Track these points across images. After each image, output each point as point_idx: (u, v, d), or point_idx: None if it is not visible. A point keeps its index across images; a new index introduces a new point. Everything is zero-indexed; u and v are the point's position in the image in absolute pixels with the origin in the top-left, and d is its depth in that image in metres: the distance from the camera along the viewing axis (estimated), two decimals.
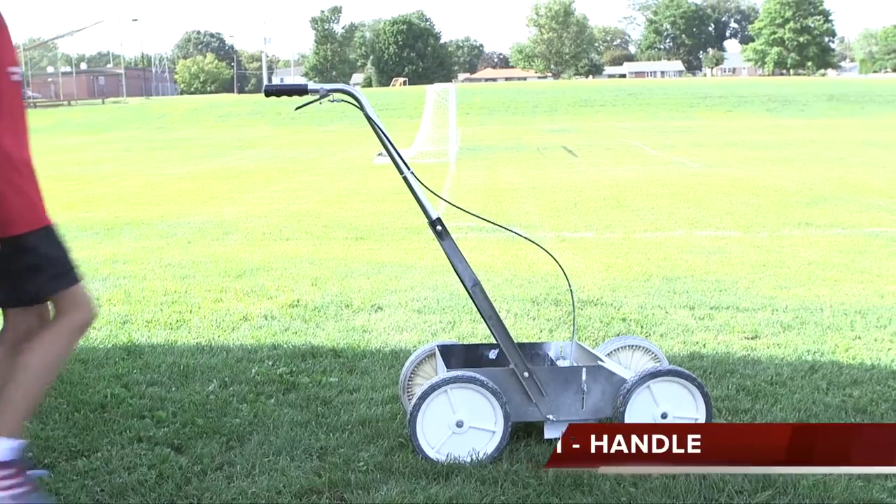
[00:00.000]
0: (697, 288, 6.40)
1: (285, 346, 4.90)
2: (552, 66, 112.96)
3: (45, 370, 2.85)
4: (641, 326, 5.28)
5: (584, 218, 10.70)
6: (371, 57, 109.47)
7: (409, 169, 3.39)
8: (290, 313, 5.71)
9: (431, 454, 3.25)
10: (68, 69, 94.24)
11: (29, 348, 2.85)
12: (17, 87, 2.78)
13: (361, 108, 3.38)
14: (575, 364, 3.74)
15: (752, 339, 5.04)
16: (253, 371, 4.41)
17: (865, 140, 25.55)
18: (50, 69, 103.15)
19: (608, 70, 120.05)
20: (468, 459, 3.22)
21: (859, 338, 5.03)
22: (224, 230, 9.95)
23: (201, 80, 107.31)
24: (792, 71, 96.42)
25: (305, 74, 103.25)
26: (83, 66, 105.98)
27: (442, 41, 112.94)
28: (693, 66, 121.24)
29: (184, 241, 9.20)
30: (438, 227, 3.37)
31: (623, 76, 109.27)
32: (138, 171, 20.15)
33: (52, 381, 3.03)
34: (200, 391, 4.10)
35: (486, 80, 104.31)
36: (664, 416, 3.38)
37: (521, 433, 3.48)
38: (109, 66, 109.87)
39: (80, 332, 2.96)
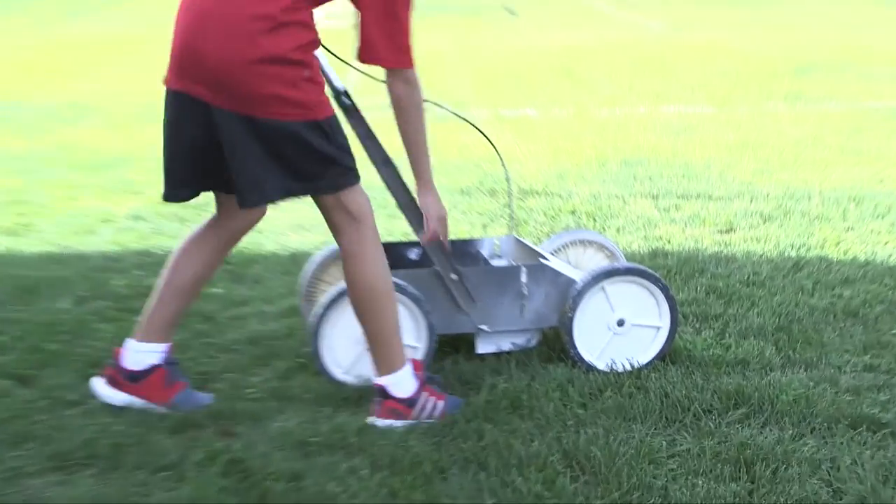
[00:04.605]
0: (662, 173, 6.46)
1: (157, 251, 4.84)
2: None
3: None
4: (594, 219, 5.32)
5: (526, 92, 10.67)
6: None
7: None
8: (163, 212, 5.63)
9: (339, 375, 3.26)
10: None
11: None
12: None
13: None
14: (513, 263, 3.76)
15: (725, 232, 5.12)
16: (117, 283, 4.37)
17: None
18: None
19: None
20: None
21: (852, 229, 5.15)
22: (79, 113, 9.69)
23: None
24: None
25: None
26: None
27: None
28: None
29: (27, 127, 8.93)
30: (346, 101, 3.30)
31: None
32: None
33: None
34: (50, 309, 4.03)
35: None
36: (621, 323, 3.43)
37: (448, 347, 3.51)
38: None
39: None
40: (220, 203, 3.11)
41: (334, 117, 2.91)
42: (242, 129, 2.79)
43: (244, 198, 2.90)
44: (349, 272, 2.98)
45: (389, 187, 3.36)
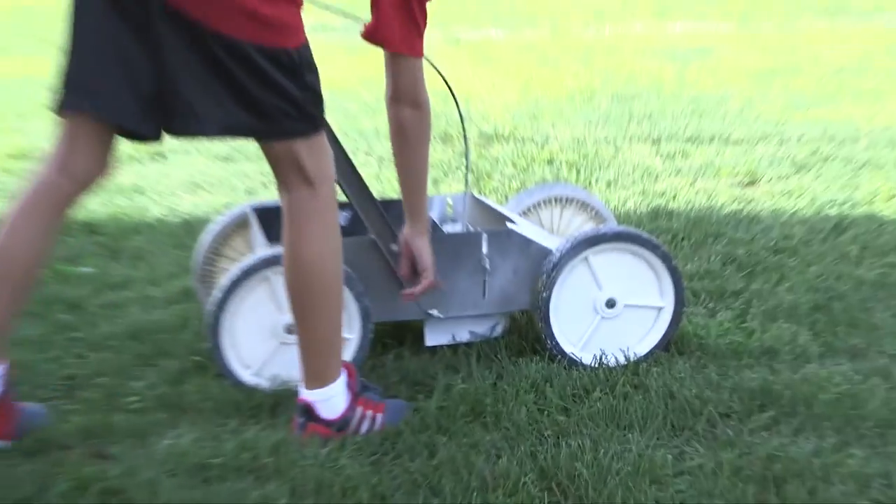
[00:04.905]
0: (666, 111, 6.47)
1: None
2: None
3: None
4: (578, 171, 5.33)
5: (489, 7, 10.66)
6: None
7: None
8: (13, 168, 5.61)
9: (247, 378, 3.26)
10: None
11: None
12: None
13: None
14: (471, 228, 3.76)
15: (747, 185, 5.15)
16: None
17: None
18: None
19: None
20: None
21: None
22: None
23: None
24: None
25: None
26: None
27: None
28: None
29: None
30: None
31: None
32: None
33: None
34: None
35: None
36: (611, 303, 3.43)
37: (389, 339, 3.52)
38: None
39: None
40: (77, 139, 2.86)
41: (307, 48, 2.81)
42: (186, 35, 2.65)
43: (174, 124, 2.79)
44: (289, 247, 2.91)
45: None
